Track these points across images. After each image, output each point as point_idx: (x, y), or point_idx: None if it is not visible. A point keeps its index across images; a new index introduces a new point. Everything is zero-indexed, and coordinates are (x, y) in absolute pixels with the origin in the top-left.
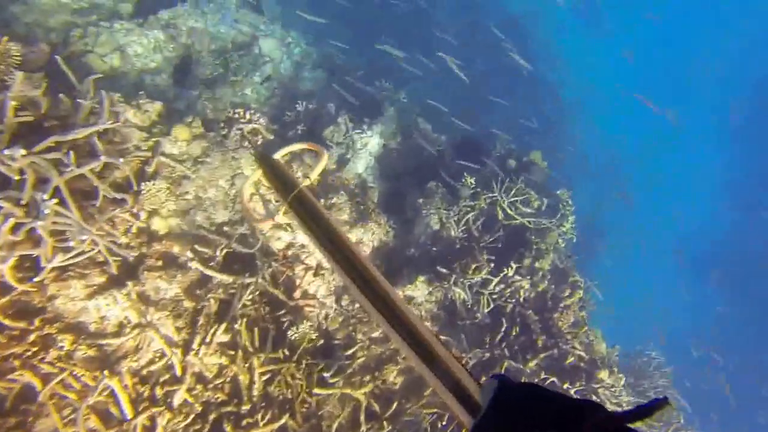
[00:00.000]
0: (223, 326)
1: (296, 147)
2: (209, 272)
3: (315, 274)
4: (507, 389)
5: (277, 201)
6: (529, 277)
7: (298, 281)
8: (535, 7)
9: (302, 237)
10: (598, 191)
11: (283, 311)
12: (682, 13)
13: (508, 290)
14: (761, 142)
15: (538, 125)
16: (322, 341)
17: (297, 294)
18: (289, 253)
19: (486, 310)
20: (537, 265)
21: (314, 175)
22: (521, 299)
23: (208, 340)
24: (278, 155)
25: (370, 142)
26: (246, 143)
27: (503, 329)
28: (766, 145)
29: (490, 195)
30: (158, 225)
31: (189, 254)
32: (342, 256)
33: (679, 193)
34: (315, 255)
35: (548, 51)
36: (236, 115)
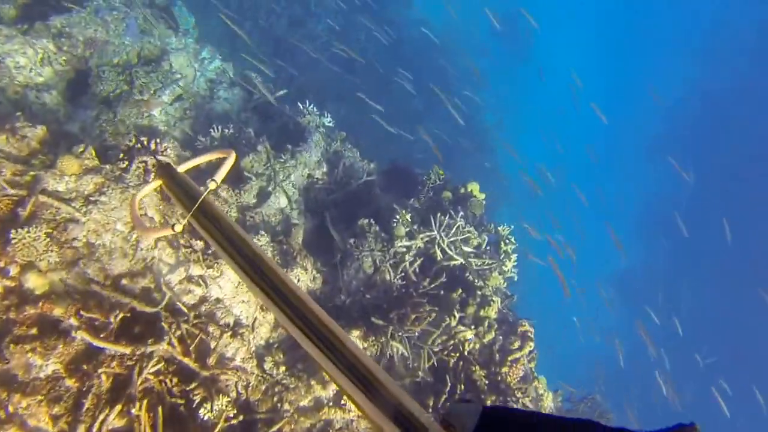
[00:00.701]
0: (117, 409)
1: (203, 159)
2: (100, 343)
3: (233, 335)
4: (495, 411)
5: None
6: (473, 327)
7: (213, 344)
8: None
9: (216, 291)
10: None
11: (195, 384)
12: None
13: (452, 342)
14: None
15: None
16: (242, 417)
17: (211, 360)
18: (202, 309)
19: (427, 366)
20: (482, 313)
21: (220, 177)
22: (466, 352)
23: (95, 429)
24: (183, 168)
25: (294, 172)
26: (151, 178)
27: (447, 388)
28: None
29: (428, 234)
30: (34, 282)
31: (72, 321)
32: (258, 271)
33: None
34: (232, 310)
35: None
36: (139, 145)
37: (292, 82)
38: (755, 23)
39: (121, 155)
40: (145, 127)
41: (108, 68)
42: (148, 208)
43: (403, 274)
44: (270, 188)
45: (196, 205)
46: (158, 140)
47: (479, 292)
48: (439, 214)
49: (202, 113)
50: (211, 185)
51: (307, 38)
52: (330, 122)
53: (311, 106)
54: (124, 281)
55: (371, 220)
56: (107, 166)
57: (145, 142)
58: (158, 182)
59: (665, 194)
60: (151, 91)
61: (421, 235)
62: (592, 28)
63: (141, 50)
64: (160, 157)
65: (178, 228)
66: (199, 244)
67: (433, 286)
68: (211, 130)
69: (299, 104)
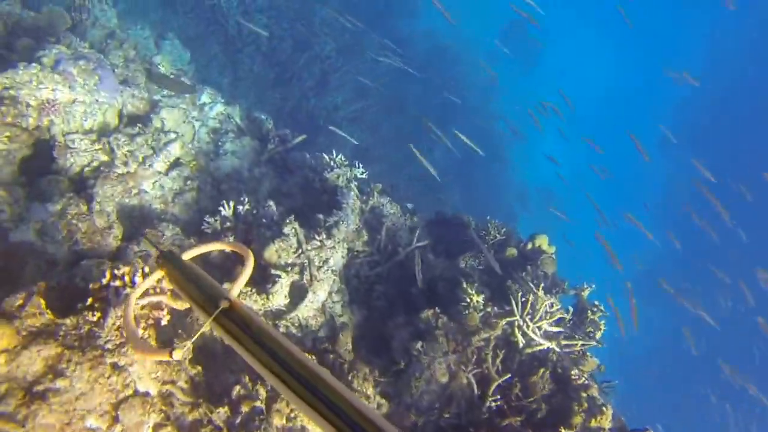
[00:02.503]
0: None
1: (213, 247)
2: None
3: None
4: None
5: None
6: None
7: None
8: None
9: None
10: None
11: None
12: None
13: None
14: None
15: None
16: None
17: None
18: None
19: None
20: (593, 423)
21: (236, 289)
22: None
23: None
24: (188, 256)
25: (334, 255)
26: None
27: None
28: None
29: (509, 318)
30: None
31: None
32: (319, 395)
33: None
34: None
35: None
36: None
37: (300, 108)
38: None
39: (90, 300)
40: (133, 208)
41: (79, 136)
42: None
43: (479, 371)
44: (305, 282)
45: (220, 307)
46: (145, 268)
47: (584, 394)
48: (517, 291)
49: (207, 178)
50: (224, 304)
51: (314, 60)
52: (363, 173)
53: (339, 156)
54: None
55: (436, 309)
56: (68, 321)
57: (128, 273)
58: (160, 273)
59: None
60: (140, 160)
61: (502, 322)
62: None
63: (122, 107)
64: (155, 242)
65: (178, 355)
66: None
67: (531, 400)
68: (221, 208)
69: (325, 156)
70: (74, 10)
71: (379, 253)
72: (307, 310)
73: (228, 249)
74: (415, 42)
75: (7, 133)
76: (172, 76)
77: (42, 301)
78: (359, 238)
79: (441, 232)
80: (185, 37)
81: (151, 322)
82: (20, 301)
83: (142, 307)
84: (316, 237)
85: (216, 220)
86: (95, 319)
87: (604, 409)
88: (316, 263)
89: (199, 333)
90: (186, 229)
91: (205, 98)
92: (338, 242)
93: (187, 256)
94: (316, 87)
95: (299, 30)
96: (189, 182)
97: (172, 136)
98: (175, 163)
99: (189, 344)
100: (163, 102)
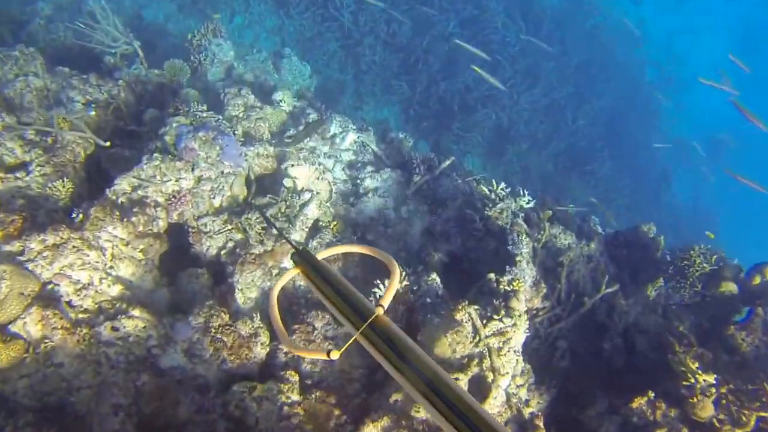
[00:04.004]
0: None
1: (349, 249)
2: None
3: None
4: None
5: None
6: None
7: None
8: None
9: None
10: None
11: None
12: None
13: None
14: None
15: None
16: None
17: None
18: None
19: None
20: None
21: (387, 301)
22: None
23: None
24: (324, 255)
25: (516, 334)
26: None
27: None
28: None
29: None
30: None
31: None
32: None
33: None
34: None
35: None
36: None
37: (430, 94)
38: None
39: None
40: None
41: (210, 219)
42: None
43: None
44: (488, 378)
45: (368, 320)
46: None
47: None
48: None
49: (351, 234)
50: (379, 310)
51: (438, 40)
52: (530, 203)
53: (500, 186)
54: None
55: (650, 395)
56: None
57: None
58: (295, 271)
59: None
60: (284, 230)
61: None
62: None
63: (249, 172)
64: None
65: (335, 355)
66: None
67: None
68: (377, 288)
69: (483, 187)
70: (193, 53)
71: (559, 304)
72: (490, 409)
73: (366, 253)
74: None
75: (142, 246)
76: (295, 109)
77: None
78: (538, 294)
79: (622, 255)
80: (303, 39)
81: None
82: None
83: None
84: (495, 317)
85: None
86: None
87: None
88: (496, 348)
89: (350, 341)
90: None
91: (334, 128)
92: (519, 317)
93: (322, 255)
94: (444, 69)
95: (418, 10)
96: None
97: (307, 196)
98: (315, 228)
99: (345, 348)
100: (288, 152)
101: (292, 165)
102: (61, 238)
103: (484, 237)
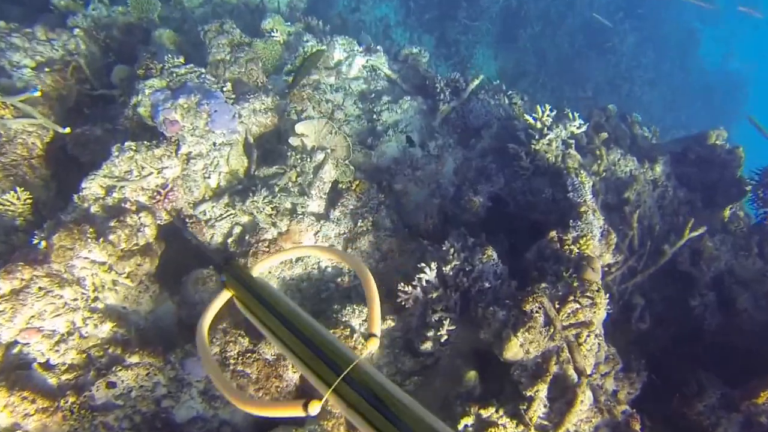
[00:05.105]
0: None
1: (304, 251)
2: None
3: None
4: None
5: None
6: None
7: None
8: None
9: None
10: None
11: None
12: None
13: None
14: None
15: None
16: None
17: None
18: None
19: None
20: None
21: (377, 327)
22: None
23: None
24: (265, 265)
25: (597, 314)
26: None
27: None
28: None
29: None
30: None
31: None
32: None
33: None
34: None
35: None
36: None
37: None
38: None
39: None
40: (300, 280)
41: (209, 205)
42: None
43: None
44: (570, 378)
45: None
46: None
47: None
48: None
49: (378, 192)
50: (372, 345)
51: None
52: (580, 126)
53: (545, 110)
54: None
55: None
56: None
57: None
58: (226, 295)
59: None
60: (289, 209)
61: None
62: None
63: (247, 135)
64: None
65: (314, 410)
66: None
67: None
68: (424, 272)
69: (527, 116)
70: None
71: (632, 254)
72: (578, 417)
73: (327, 257)
74: None
75: (128, 269)
76: (290, 36)
77: None
78: (608, 247)
79: (689, 173)
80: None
81: None
82: None
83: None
84: (570, 298)
85: (412, 289)
86: None
87: None
88: (575, 337)
89: (325, 396)
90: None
91: (338, 53)
92: (597, 291)
93: (263, 264)
94: None
95: None
96: (359, 220)
97: (320, 156)
98: (334, 192)
99: (324, 398)
100: (292, 100)
101: (296, 116)
102: (21, 280)
103: (531, 176)
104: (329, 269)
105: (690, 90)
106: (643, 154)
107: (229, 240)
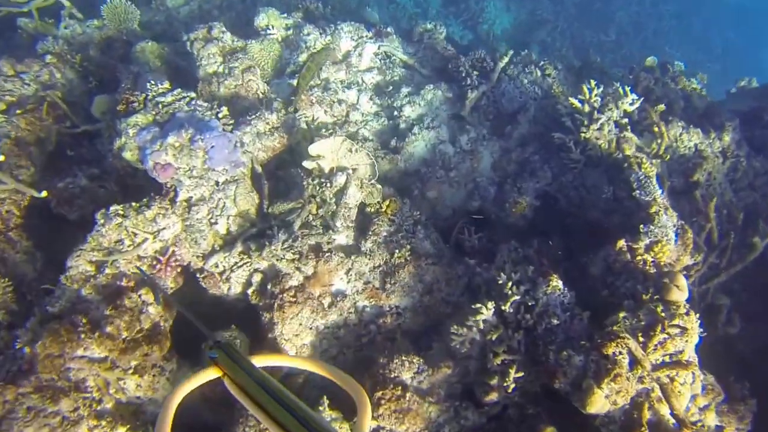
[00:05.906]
0: None
1: (302, 364)
2: None
3: None
4: None
5: None
6: None
7: None
8: None
9: None
10: None
11: None
12: None
13: None
14: None
15: None
16: None
17: None
18: None
19: None
20: None
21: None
22: None
23: None
24: (261, 362)
25: (688, 344)
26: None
27: None
28: None
29: None
30: None
31: None
32: None
33: None
34: None
35: None
36: None
37: None
38: None
39: None
40: (336, 328)
41: (221, 256)
42: None
43: None
44: (666, 423)
45: None
46: None
47: None
48: None
49: (407, 206)
50: None
51: None
52: (634, 102)
53: (594, 90)
54: None
55: None
56: None
57: None
58: (212, 373)
59: None
60: (313, 247)
61: None
62: None
63: (253, 163)
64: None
65: None
66: None
67: None
68: (480, 311)
69: (572, 99)
70: None
71: (710, 248)
72: None
73: (325, 375)
74: None
75: (134, 362)
76: (289, 31)
77: None
78: (685, 247)
79: (764, 137)
80: None
81: None
82: None
83: None
84: (654, 331)
85: (467, 331)
86: None
87: None
88: (668, 377)
89: None
90: (419, 341)
91: (345, 43)
92: (686, 316)
93: (259, 361)
94: None
95: None
96: (396, 249)
97: (341, 179)
98: (362, 215)
99: None
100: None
101: (307, 126)
102: (4, 403)
103: (583, 167)
104: (368, 309)
105: (722, 17)
106: (701, 117)
107: (249, 291)
